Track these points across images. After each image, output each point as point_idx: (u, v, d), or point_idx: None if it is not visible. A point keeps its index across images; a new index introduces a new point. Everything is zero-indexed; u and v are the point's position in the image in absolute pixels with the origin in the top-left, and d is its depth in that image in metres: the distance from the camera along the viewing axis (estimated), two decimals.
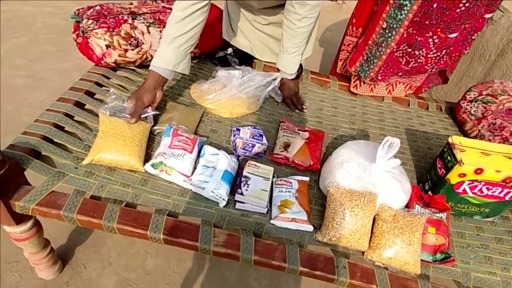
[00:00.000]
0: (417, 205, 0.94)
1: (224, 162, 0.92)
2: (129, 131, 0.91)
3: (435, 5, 1.09)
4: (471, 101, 1.31)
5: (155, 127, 1.01)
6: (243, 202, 0.87)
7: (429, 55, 1.23)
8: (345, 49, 1.47)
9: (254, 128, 1.04)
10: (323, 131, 1.16)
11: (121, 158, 0.86)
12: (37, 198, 0.77)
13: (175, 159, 0.89)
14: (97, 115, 1.00)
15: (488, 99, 1.27)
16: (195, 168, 0.93)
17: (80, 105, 1.01)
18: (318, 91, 1.41)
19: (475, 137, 1.25)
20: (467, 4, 1.10)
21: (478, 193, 0.93)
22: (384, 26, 1.18)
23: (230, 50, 1.39)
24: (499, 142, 1.16)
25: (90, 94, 1.05)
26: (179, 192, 0.88)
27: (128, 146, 0.88)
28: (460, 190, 0.94)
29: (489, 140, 1.19)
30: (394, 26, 1.16)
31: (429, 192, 1.00)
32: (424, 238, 0.87)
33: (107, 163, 0.87)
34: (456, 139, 0.95)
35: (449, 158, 0.93)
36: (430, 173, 1.01)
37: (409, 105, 1.46)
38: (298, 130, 1.13)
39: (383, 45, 1.22)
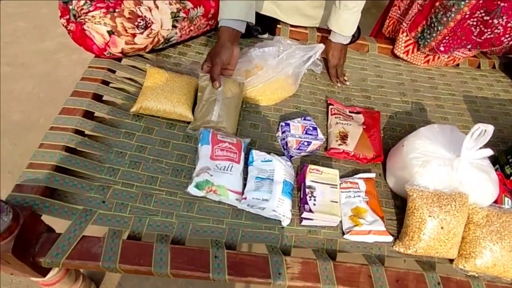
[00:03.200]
0: (506, 198, 0.81)
1: (281, 170, 0.76)
2: (177, 82, 0.85)
3: None
4: None
5: (190, 127, 0.83)
6: (312, 219, 0.73)
7: (509, 24, 1.00)
8: (397, 4, 1.23)
9: (305, 119, 0.86)
10: (378, 111, 0.99)
11: (169, 106, 0.82)
12: (66, 250, 0.62)
13: (223, 174, 0.73)
14: (111, 125, 0.81)
15: None
16: (244, 178, 0.77)
17: (88, 113, 0.81)
18: (356, 57, 1.21)
19: None
20: None
21: None
22: None
23: None
24: None
25: (97, 97, 0.84)
26: (232, 214, 0.73)
27: (176, 94, 0.83)
28: None
29: None
30: None
31: None
32: None
33: (154, 111, 0.82)
34: None
35: None
36: None
37: (458, 65, 1.27)
38: (350, 112, 0.96)
39: (453, 9, 0.99)
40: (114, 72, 0.91)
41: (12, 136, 1.41)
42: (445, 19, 1.04)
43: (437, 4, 1.05)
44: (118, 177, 0.73)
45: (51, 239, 0.62)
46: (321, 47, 0.98)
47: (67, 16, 0.85)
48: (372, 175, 0.84)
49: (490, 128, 0.71)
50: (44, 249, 0.61)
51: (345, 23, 0.99)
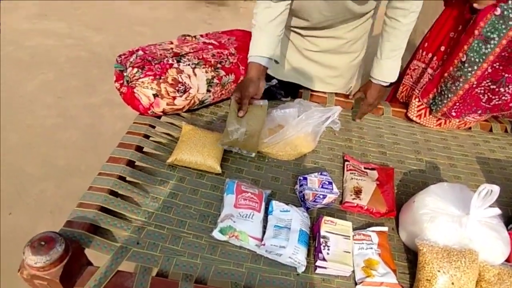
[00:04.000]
0: None
1: (298, 220, 0.83)
2: (208, 138, 0.97)
3: None
4: None
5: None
6: (325, 267, 0.77)
7: None
8: (410, 73, 1.36)
9: (321, 174, 0.95)
10: (392, 168, 1.05)
11: (200, 158, 0.93)
12: (103, 282, 0.69)
13: (244, 221, 0.80)
14: (149, 173, 0.92)
15: None
16: (264, 226, 0.84)
17: (131, 162, 0.93)
18: (372, 118, 1.31)
19: None
20: None
21: None
22: (464, 59, 1.06)
23: (274, 81, 1.30)
24: None
25: (139, 148, 0.97)
26: (252, 259, 0.79)
27: (207, 148, 0.94)
28: None
29: None
30: (476, 60, 1.04)
31: None
32: None
33: (187, 163, 0.93)
34: None
35: None
36: None
37: (470, 128, 1.33)
38: (365, 168, 1.03)
39: (460, 79, 1.10)
40: (154, 127, 1.06)
41: (56, 180, 1.56)
42: (454, 88, 1.14)
43: (445, 74, 1.16)
44: (152, 219, 0.82)
45: (90, 271, 0.70)
46: (338, 109, 1.09)
47: (121, 81, 1.02)
48: (385, 228, 0.88)
49: (496, 189, 0.76)
50: (83, 280, 0.69)
51: (388, 71, 1.11)
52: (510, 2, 0.99)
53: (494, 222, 0.82)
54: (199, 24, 3.26)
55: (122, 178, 0.89)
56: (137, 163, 0.95)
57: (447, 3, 1.25)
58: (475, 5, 1.05)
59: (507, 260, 0.81)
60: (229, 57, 1.15)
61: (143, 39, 2.71)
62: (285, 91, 1.31)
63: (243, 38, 1.25)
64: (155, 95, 0.99)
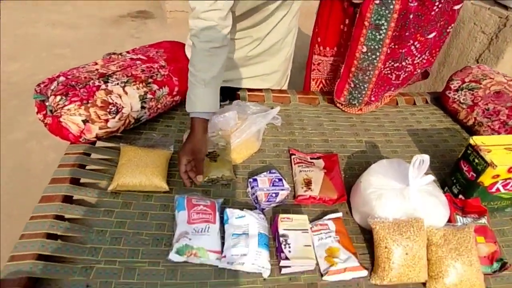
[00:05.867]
0: (457, 216, 0.91)
1: (255, 224, 0.82)
2: (150, 156, 0.93)
3: (411, 16, 1.06)
4: (456, 90, 1.32)
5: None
6: (290, 266, 0.78)
7: (415, 61, 1.20)
8: (315, 68, 1.43)
9: (270, 172, 0.95)
10: (335, 154, 1.10)
11: (144, 179, 0.88)
12: None
13: (201, 236, 0.78)
14: (90, 206, 0.85)
15: (472, 86, 1.28)
16: (222, 237, 0.82)
17: (67, 198, 0.85)
18: (310, 109, 1.35)
19: (472, 125, 1.25)
20: (440, 5, 1.08)
21: (510, 188, 0.92)
22: (365, 50, 1.12)
23: None
24: (499, 127, 1.17)
25: (75, 181, 0.89)
26: (215, 274, 0.77)
27: (150, 167, 0.90)
28: (493, 190, 0.92)
29: (488, 127, 1.20)
30: (376, 47, 1.11)
31: (460, 196, 0.98)
32: (477, 250, 0.84)
33: (130, 186, 0.88)
34: (478, 140, 0.92)
35: (477, 161, 0.90)
36: (456, 176, 0.98)
37: (397, 104, 1.44)
38: (311, 159, 1.06)
39: (370, 68, 1.17)
40: (89, 155, 0.98)
41: None
42: (367, 77, 1.20)
43: (353, 69, 1.20)
44: (100, 256, 0.76)
45: None
46: (277, 109, 1.11)
47: (44, 112, 0.93)
48: (339, 214, 0.91)
49: (426, 158, 0.82)
50: None
51: None
52: None
53: (431, 188, 0.89)
54: (126, 39, 3.10)
55: (60, 217, 0.81)
56: (75, 196, 0.87)
57: None
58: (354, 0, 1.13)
59: (449, 221, 0.89)
60: (160, 70, 1.11)
61: (65, 62, 2.50)
62: (223, 94, 1.29)
63: (172, 49, 1.22)
64: (84, 121, 0.91)
